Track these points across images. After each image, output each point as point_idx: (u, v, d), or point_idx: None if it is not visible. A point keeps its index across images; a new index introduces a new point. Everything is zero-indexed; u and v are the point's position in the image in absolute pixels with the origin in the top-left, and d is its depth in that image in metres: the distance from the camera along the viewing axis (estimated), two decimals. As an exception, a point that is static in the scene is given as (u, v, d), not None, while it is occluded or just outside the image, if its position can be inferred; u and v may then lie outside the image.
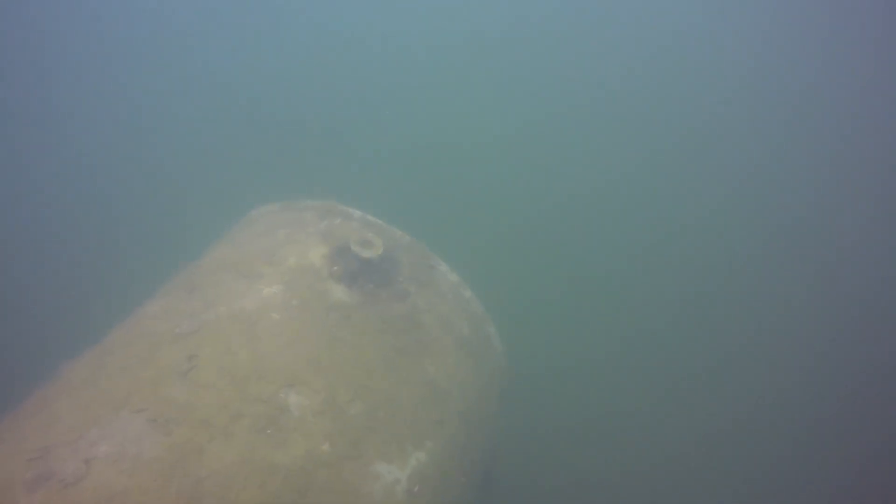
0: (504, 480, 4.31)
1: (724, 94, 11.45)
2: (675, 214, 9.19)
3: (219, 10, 10.87)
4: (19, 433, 2.32)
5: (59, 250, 6.46)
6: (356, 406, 2.91)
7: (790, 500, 6.40)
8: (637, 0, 12.68)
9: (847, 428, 7.01)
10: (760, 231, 9.37)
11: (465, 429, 3.52)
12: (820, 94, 11.62)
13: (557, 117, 10.31)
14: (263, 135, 8.43)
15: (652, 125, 10.64)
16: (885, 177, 10.24)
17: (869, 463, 6.61)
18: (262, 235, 3.85)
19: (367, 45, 10.82)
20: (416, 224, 4.13)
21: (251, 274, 3.40)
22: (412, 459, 3.04)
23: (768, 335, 7.96)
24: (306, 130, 8.70)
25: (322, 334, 3.09)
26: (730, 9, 13.09)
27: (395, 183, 7.29)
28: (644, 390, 6.91)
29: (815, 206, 9.80)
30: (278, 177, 7.14)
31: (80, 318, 3.82)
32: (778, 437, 6.85)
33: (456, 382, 3.55)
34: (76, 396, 2.46)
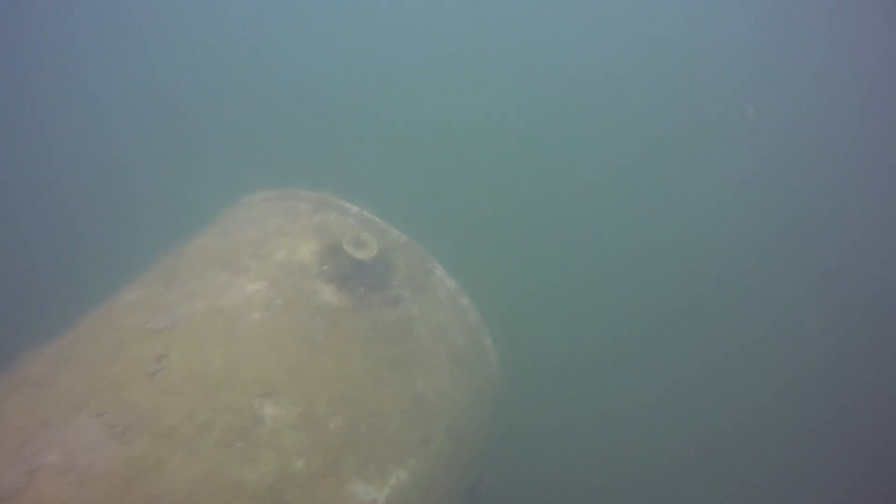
0: (493, 494, 4.13)
1: (728, 91, 11.20)
2: (676, 215, 8.98)
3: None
4: (-40, 433, 2.11)
5: (46, 231, 6.15)
6: (336, 420, 2.71)
7: (790, 501, 6.27)
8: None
9: (849, 428, 6.89)
10: (763, 229, 9.19)
11: (452, 447, 3.32)
12: (824, 93, 11.38)
13: (561, 116, 10.03)
14: (263, 120, 8.11)
15: (654, 123, 10.38)
16: (889, 176, 10.04)
17: (870, 463, 6.51)
18: (252, 224, 3.63)
19: (376, 36, 10.48)
20: (414, 224, 3.91)
21: (236, 267, 3.18)
22: (392, 479, 2.84)
23: (770, 335, 7.79)
24: (309, 119, 8.38)
25: (305, 340, 2.88)
26: (733, 3, 12.81)
27: (395, 180, 7.02)
28: (645, 392, 6.73)
29: (818, 205, 9.62)
30: (275, 164, 6.85)
31: (57, 303, 3.59)
32: (778, 438, 6.71)
33: (446, 397, 3.35)
34: (29, 394, 2.25)
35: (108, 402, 2.25)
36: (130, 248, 4.39)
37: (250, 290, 3.02)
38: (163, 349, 2.55)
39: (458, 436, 3.41)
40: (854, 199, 9.81)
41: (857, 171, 10.23)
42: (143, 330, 2.64)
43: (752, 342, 7.69)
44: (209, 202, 4.41)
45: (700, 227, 8.94)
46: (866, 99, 11.42)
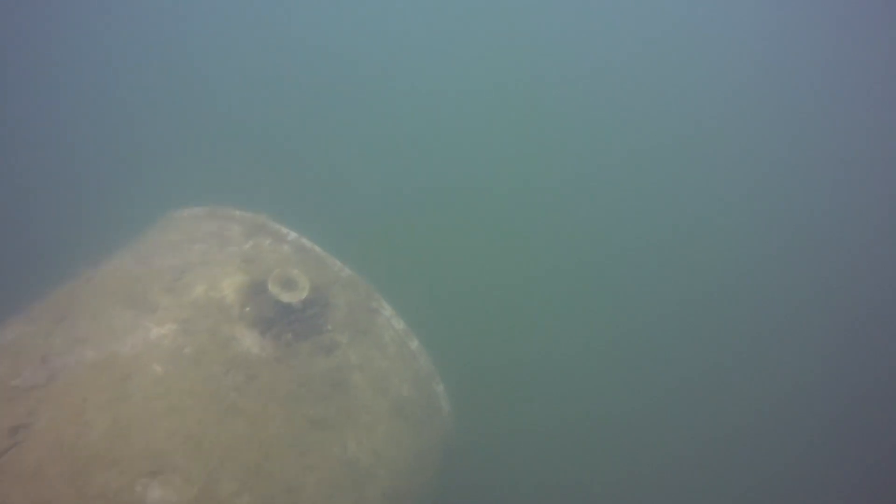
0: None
1: (728, 88, 10.84)
2: (674, 217, 8.58)
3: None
4: None
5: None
6: (243, 500, 2.28)
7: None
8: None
9: (856, 431, 6.68)
10: (767, 229, 8.86)
11: (389, 514, 2.92)
12: (831, 92, 11.12)
13: (543, 110, 9.46)
14: (206, 127, 7.39)
15: (651, 123, 9.95)
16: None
17: (878, 466, 6.32)
18: (174, 248, 3.17)
19: (336, 46, 9.72)
20: (365, 252, 3.48)
21: (143, 303, 2.73)
22: (311, 564, 2.42)
23: (776, 337, 7.44)
24: (258, 129, 7.63)
25: (215, 399, 2.44)
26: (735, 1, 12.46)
27: (349, 200, 6.44)
28: (640, 398, 6.28)
29: (825, 204, 9.34)
30: (220, 171, 6.24)
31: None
32: (780, 445, 6.46)
33: (383, 458, 2.94)
34: None
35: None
36: (44, 264, 3.88)
37: (156, 334, 2.58)
38: (26, 415, 2.09)
39: (397, 499, 3.01)
40: (860, 199, 9.58)
41: (864, 170, 9.98)
42: (6, 388, 2.18)
43: (759, 345, 7.32)
44: (143, 210, 3.93)
45: (706, 228, 8.57)
46: (874, 100, 11.16)
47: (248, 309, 2.76)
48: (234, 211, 3.38)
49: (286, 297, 2.73)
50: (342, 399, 2.83)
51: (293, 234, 3.23)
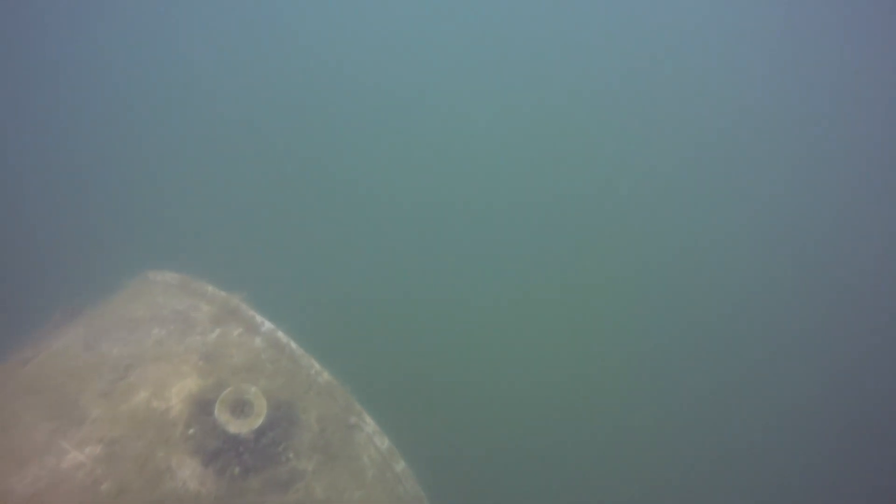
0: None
1: (731, 95, 10.09)
2: (678, 230, 7.99)
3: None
4: None
5: None
6: None
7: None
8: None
9: (873, 443, 6.41)
10: (780, 237, 8.30)
11: None
12: (839, 98, 10.28)
13: (552, 125, 8.81)
14: (201, 184, 6.81)
15: (664, 133, 9.26)
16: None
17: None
18: (131, 329, 2.72)
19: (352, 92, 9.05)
20: (348, 345, 2.96)
21: (70, 411, 2.27)
22: None
23: (785, 348, 6.97)
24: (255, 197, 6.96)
25: (125, 560, 1.95)
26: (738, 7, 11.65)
27: (336, 283, 5.76)
28: (647, 414, 5.90)
29: (834, 212, 8.75)
30: (205, 231, 5.67)
31: None
32: (786, 456, 6.14)
33: None
34: None
35: None
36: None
37: (71, 461, 2.11)
38: None
39: None
40: (874, 206, 8.89)
41: (884, 177, 9.26)
42: None
43: (768, 356, 6.90)
44: (128, 257, 3.51)
45: (711, 236, 7.97)
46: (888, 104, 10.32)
47: (192, 431, 2.27)
48: (208, 286, 2.91)
49: (235, 427, 2.23)
50: (296, 549, 2.31)
51: (268, 325, 2.73)
